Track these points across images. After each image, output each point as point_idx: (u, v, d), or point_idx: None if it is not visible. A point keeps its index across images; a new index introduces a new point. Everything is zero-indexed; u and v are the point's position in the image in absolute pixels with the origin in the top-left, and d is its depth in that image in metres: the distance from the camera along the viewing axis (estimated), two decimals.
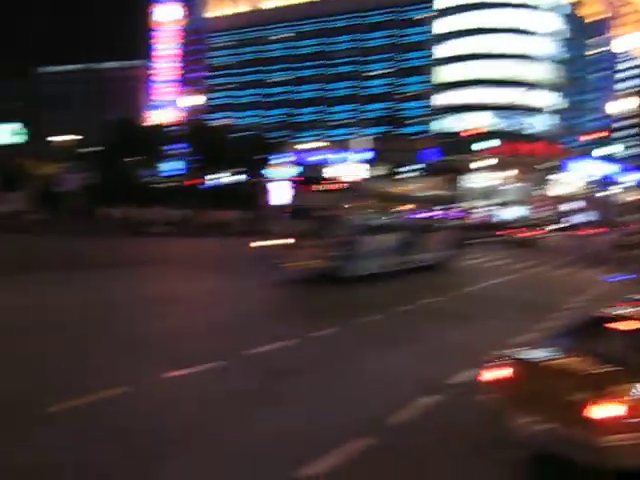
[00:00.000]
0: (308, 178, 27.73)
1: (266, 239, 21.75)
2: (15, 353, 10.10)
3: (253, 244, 23.43)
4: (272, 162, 68.20)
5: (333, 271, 19.81)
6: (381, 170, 67.48)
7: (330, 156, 74.32)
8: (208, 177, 68.87)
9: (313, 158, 73.64)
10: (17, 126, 75.42)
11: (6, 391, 8.01)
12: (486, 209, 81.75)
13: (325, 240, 19.81)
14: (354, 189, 22.34)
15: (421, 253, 24.29)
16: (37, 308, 14.55)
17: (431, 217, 26.58)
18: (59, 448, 6.30)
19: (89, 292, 17.57)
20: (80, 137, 67.32)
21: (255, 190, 64.10)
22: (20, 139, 73.83)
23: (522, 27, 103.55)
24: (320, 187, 21.99)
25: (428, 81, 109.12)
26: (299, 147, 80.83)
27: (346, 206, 20.73)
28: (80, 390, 8.01)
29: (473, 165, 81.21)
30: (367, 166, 70.38)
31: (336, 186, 22.41)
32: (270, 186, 64.10)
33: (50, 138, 66.63)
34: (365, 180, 46.07)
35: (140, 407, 7.62)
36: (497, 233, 52.07)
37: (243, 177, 69.76)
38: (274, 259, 20.52)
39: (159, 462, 6.09)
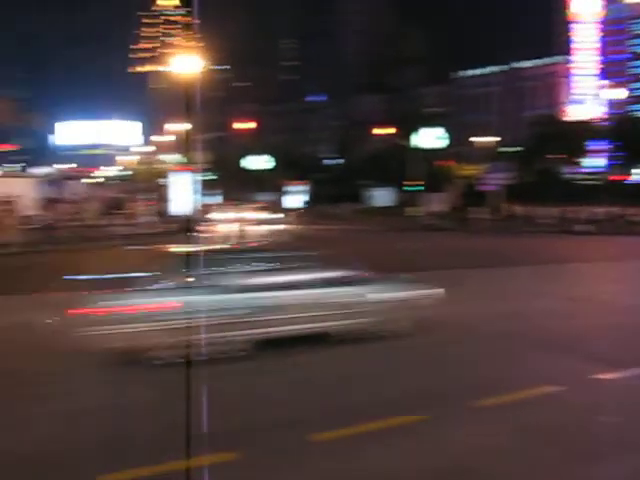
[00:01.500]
0: None
1: None
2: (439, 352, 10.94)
3: None
4: None
5: None
6: None
7: None
8: (634, 172, 64.62)
9: None
10: (440, 131, 79.80)
11: (437, 385, 8.66)
12: None
13: None
14: None
15: None
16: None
17: None
18: (487, 437, 6.67)
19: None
20: (499, 137, 69.02)
21: None
22: (442, 143, 78.01)
23: None
24: None
25: None
26: None
27: None
28: (508, 387, 8.27)
29: None
30: None
31: None
32: None
33: (472, 139, 69.63)
34: None
35: (570, 407, 7.67)
36: None
37: None
38: None
39: (594, 465, 6.06)
